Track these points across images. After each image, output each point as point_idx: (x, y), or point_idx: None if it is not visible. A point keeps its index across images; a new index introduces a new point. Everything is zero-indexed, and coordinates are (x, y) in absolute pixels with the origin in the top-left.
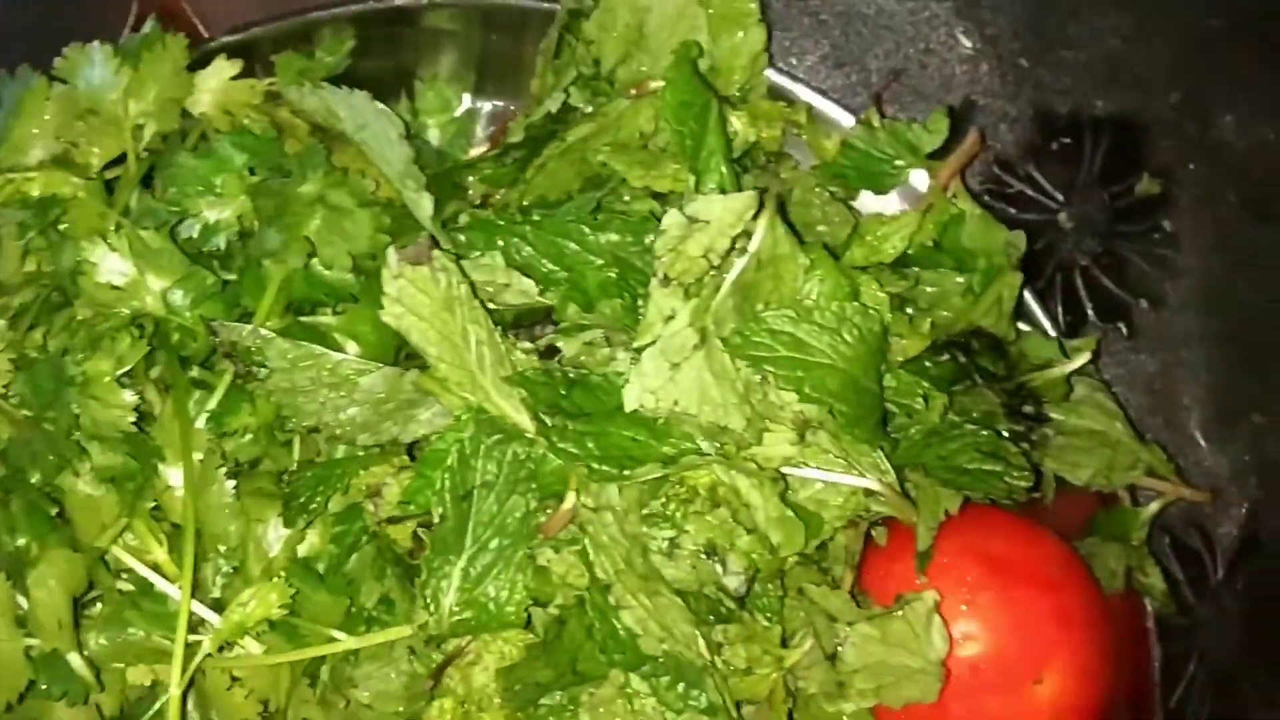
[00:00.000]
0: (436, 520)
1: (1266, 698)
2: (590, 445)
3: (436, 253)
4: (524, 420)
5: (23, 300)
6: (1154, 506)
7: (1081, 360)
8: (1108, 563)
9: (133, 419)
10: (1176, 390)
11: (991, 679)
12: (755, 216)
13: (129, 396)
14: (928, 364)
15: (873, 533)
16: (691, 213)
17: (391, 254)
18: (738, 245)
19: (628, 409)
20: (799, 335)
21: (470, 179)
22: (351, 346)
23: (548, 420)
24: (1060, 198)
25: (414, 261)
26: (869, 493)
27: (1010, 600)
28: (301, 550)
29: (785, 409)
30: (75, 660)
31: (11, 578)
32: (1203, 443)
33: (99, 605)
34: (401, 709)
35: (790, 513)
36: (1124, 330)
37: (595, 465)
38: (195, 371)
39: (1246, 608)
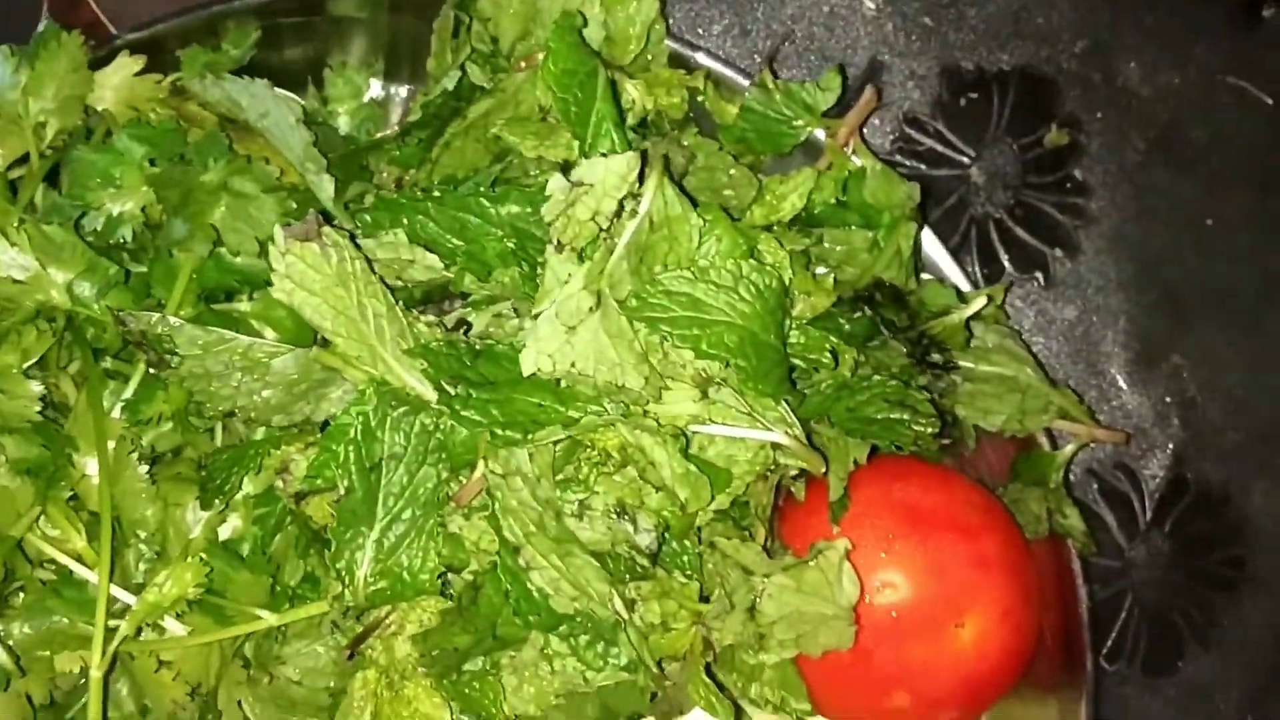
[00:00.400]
0: (343, 492)
1: (1200, 635)
2: (494, 412)
3: (327, 229)
4: (426, 391)
5: None
6: (1069, 449)
7: (978, 304)
8: (1030, 507)
9: (39, 408)
10: (1096, 336)
11: (913, 625)
12: (643, 179)
13: (36, 387)
14: (842, 321)
15: (792, 489)
16: (575, 177)
17: (278, 231)
18: (628, 208)
19: (525, 373)
20: (696, 295)
21: (380, 163)
22: (269, 333)
23: (450, 390)
24: (971, 152)
25: (302, 238)
26: (777, 446)
27: (928, 547)
28: (224, 533)
29: (686, 368)
30: None
31: None
32: (1125, 386)
33: (22, 596)
34: (331, 684)
35: (694, 469)
36: (1041, 280)
37: (499, 431)
38: (109, 363)
39: (1176, 547)
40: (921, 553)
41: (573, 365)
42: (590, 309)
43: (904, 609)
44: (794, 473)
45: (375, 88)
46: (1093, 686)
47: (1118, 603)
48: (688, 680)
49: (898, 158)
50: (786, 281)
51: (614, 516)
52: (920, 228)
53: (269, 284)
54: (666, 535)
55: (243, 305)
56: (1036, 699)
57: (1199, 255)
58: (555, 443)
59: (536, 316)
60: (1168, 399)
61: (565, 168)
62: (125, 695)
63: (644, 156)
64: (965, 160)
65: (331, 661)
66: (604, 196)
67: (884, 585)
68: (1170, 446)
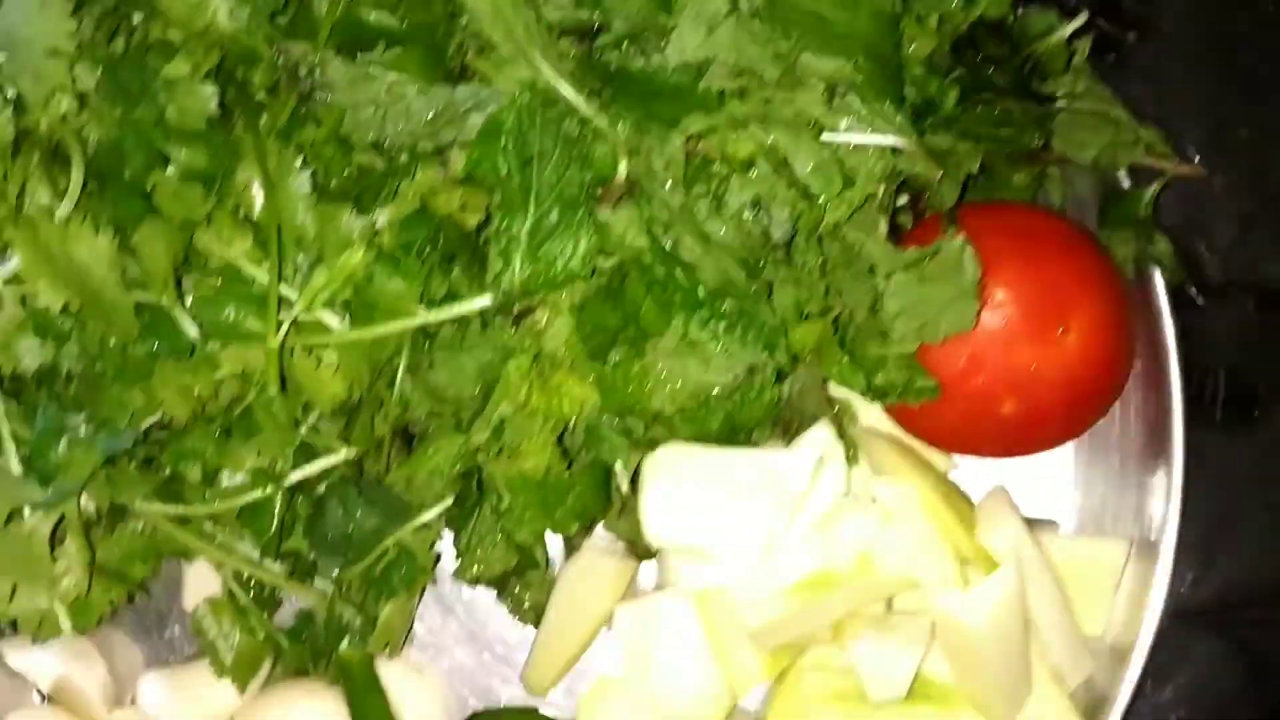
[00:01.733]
0: (503, 176)
1: (1274, 386)
2: (637, 110)
3: None
4: (573, 94)
5: (104, 6)
6: (1155, 185)
7: (1080, 21)
8: (1119, 251)
9: (214, 104)
10: (1169, 114)
11: (1021, 330)
12: None
13: (209, 90)
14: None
15: (899, 220)
16: None
17: None
18: None
19: (670, 65)
20: (820, 11)
21: None
22: None
23: (595, 93)
24: None
25: None
26: (896, 152)
27: (1032, 262)
28: None
29: (814, 75)
30: (179, 314)
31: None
32: (1198, 160)
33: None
34: (477, 391)
35: (826, 155)
36: (1113, 59)
37: (643, 121)
38: (262, 96)
39: (1252, 302)
40: (1027, 267)
41: (713, 55)
42: (726, 14)
43: (1013, 316)
44: (903, 200)
45: None
46: (1181, 423)
47: (1195, 356)
48: (817, 374)
49: None
50: (897, 9)
51: (749, 210)
52: None
53: (400, 41)
54: (795, 238)
55: (377, 54)
56: (1125, 452)
57: (1266, 31)
58: (689, 152)
59: (673, 28)
60: (1236, 173)
61: None
62: (278, 408)
63: None
64: None
65: (477, 371)
66: None
67: (994, 296)
68: (1239, 211)
